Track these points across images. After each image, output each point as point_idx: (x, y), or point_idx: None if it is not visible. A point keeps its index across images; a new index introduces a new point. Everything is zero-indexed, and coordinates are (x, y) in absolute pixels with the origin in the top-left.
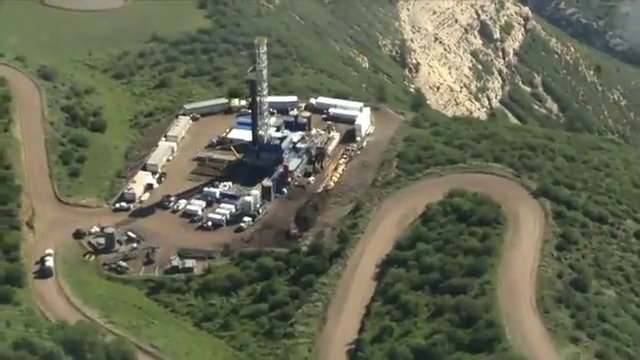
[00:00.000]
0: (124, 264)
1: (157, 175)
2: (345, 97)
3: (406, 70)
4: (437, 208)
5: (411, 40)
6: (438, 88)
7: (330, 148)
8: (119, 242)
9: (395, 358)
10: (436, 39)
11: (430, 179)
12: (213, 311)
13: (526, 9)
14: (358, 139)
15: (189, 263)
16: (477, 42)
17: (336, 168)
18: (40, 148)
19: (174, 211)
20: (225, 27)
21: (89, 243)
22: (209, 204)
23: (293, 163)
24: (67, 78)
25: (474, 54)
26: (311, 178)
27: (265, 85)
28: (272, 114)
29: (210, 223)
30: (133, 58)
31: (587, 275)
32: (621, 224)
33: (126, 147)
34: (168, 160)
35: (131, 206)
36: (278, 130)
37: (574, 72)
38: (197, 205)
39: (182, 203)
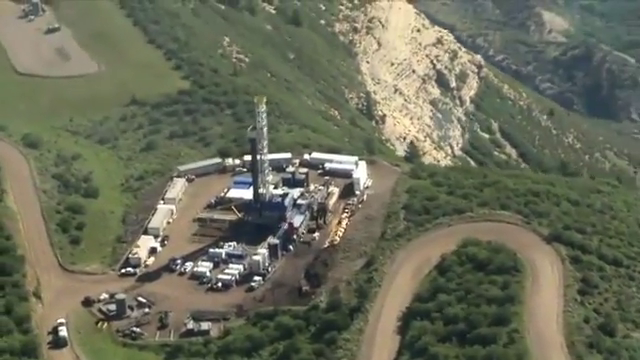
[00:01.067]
0: (138, 330)
1: (160, 238)
2: (337, 151)
3: (373, 122)
4: (452, 258)
5: (374, 92)
6: (404, 138)
7: (331, 203)
8: (130, 308)
9: None
10: (396, 90)
11: (440, 229)
12: None
13: (478, 57)
14: (357, 193)
15: (205, 325)
16: (435, 91)
17: (339, 223)
18: (37, 217)
19: (181, 274)
20: (204, 87)
21: (99, 310)
22: (216, 265)
23: (297, 220)
24: (52, 145)
25: (433, 103)
26: (315, 234)
27: (265, 143)
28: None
29: (220, 284)
30: (115, 122)
31: (614, 319)
32: (636, 266)
33: (122, 212)
34: (168, 223)
35: (137, 271)
36: (276, 187)
37: (528, 117)
38: (205, 266)
39: (189, 265)
